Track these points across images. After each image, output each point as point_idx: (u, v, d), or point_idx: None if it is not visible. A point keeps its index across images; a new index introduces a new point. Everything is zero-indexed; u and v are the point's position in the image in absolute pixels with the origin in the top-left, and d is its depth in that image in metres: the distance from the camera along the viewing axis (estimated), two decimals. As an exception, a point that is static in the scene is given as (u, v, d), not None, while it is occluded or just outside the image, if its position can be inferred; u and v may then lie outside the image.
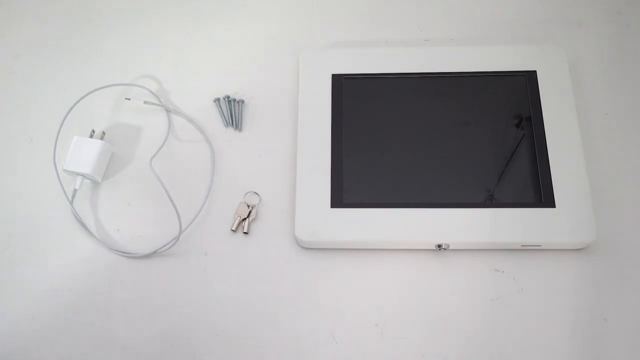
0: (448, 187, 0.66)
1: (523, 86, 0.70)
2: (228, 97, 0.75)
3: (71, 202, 0.69)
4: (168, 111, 0.75)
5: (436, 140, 0.69)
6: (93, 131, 0.72)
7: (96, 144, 0.70)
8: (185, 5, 0.83)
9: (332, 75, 0.72)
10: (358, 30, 0.79)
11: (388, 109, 0.71)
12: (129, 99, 0.75)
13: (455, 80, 0.71)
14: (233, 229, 0.67)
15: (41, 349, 0.63)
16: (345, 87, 0.71)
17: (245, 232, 0.67)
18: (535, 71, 0.70)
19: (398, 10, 0.81)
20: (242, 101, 0.75)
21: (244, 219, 0.67)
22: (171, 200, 0.65)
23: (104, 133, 0.73)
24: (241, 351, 0.62)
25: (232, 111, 0.74)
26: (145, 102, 0.74)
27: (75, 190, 0.69)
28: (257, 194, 0.69)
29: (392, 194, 0.66)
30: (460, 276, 0.64)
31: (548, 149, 0.66)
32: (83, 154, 0.69)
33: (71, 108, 0.73)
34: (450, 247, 0.63)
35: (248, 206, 0.68)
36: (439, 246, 0.63)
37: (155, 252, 0.66)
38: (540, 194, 0.64)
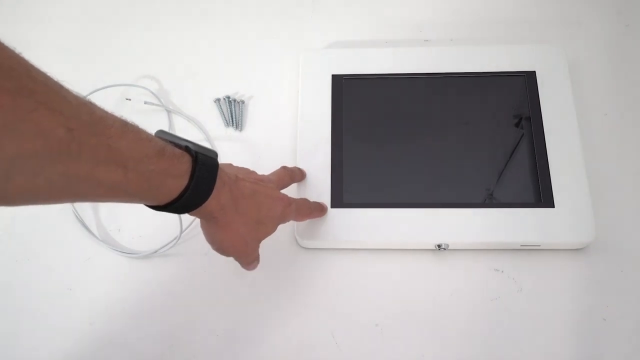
0: (448, 187, 0.66)
1: (522, 86, 0.70)
2: (228, 97, 0.75)
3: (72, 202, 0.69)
4: (169, 111, 0.75)
5: (436, 140, 0.69)
6: (93, 131, 0.72)
7: (96, 144, 0.70)
8: (186, 6, 0.83)
9: (332, 75, 0.72)
10: (358, 30, 0.79)
11: (388, 109, 0.71)
12: (130, 100, 0.75)
13: (455, 80, 0.71)
14: (233, 229, 0.67)
15: (41, 349, 0.63)
16: (345, 87, 0.71)
17: (245, 232, 0.67)
18: (534, 71, 0.70)
19: (398, 10, 0.81)
20: (242, 101, 0.75)
21: (244, 219, 0.67)
22: (171, 201, 0.65)
23: (104, 133, 0.73)
24: (241, 351, 0.62)
25: (233, 111, 0.74)
26: (145, 103, 0.75)
27: (75, 191, 0.69)
28: (257, 194, 0.69)
29: (392, 194, 0.66)
30: (460, 276, 0.64)
31: (547, 149, 0.66)
32: (83, 154, 0.69)
33: (71, 108, 0.73)
34: (450, 247, 0.63)
35: (248, 206, 0.68)
36: (439, 246, 0.63)
37: (155, 252, 0.66)
38: (539, 194, 0.64)
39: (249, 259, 0.56)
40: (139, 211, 0.69)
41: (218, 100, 0.75)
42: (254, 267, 0.57)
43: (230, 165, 0.58)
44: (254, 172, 0.58)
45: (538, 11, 0.80)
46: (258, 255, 0.57)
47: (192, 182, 0.44)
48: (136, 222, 0.69)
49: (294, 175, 0.64)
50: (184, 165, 0.45)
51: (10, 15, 0.84)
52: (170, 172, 0.43)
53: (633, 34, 0.77)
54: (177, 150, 0.45)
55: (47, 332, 0.64)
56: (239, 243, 0.53)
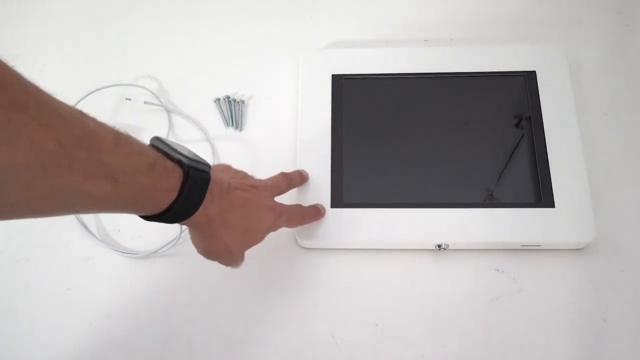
0: (448, 187, 0.66)
1: (522, 86, 0.70)
2: (228, 97, 0.75)
3: (71, 202, 0.69)
4: (168, 111, 0.75)
5: (436, 140, 0.69)
6: (93, 131, 0.72)
7: (96, 144, 0.70)
8: (186, 6, 0.83)
9: (332, 75, 0.72)
10: (358, 30, 0.79)
11: (388, 109, 0.71)
12: (129, 99, 0.75)
13: (455, 80, 0.71)
14: (233, 229, 0.66)
15: (41, 349, 0.63)
16: (345, 87, 0.71)
17: (245, 232, 0.66)
18: (534, 71, 0.70)
19: (398, 10, 0.81)
20: (242, 101, 0.75)
21: (244, 219, 0.67)
22: (171, 200, 0.65)
23: (104, 133, 0.73)
24: (241, 351, 0.62)
25: (233, 111, 0.74)
26: (145, 102, 0.75)
27: (75, 190, 0.69)
28: (257, 194, 0.69)
29: (392, 194, 0.66)
30: (460, 276, 0.64)
31: (547, 149, 0.66)
32: (83, 154, 0.69)
33: (71, 108, 0.73)
34: (450, 247, 0.63)
35: (248, 206, 0.68)
36: (439, 246, 0.63)
37: (155, 252, 0.66)
38: (539, 194, 0.64)
39: (232, 263, 0.56)
40: (139, 211, 0.69)
41: (218, 100, 0.75)
42: (238, 267, 0.57)
43: (228, 169, 0.57)
44: (250, 177, 0.58)
45: (538, 11, 0.80)
46: (243, 256, 0.56)
47: (181, 197, 0.45)
48: (136, 222, 0.68)
49: (292, 181, 0.64)
50: (174, 180, 0.45)
51: (10, 15, 0.84)
52: (160, 187, 0.44)
53: (633, 34, 0.77)
54: (169, 164, 0.45)
55: (47, 332, 0.64)
56: (223, 252, 0.53)
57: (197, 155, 0.48)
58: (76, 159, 0.36)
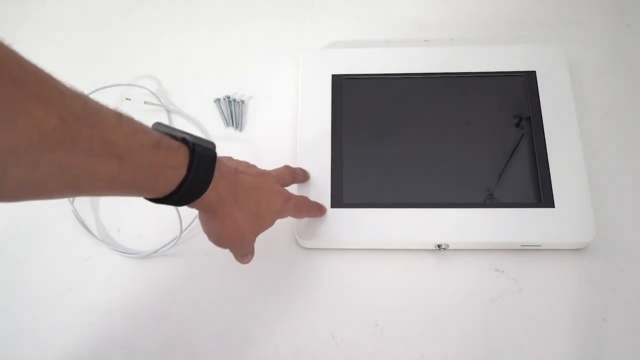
0: (448, 187, 0.66)
1: (522, 86, 0.70)
2: (228, 97, 0.75)
3: (72, 202, 0.69)
4: (168, 111, 0.75)
5: (436, 140, 0.69)
6: (93, 131, 0.72)
7: (96, 144, 0.70)
8: (186, 6, 0.83)
9: (332, 75, 0.72)
10: (358, 30, 0.79)
11: (388, 109, 0.71)
12: (130, 99, 0.75)
13: (455, 80, 0.71)
14: (233, 229, 0.66)
15: (41, 349, 0.63)
16: (345, 87, 0.71)
17: (245, 232, 0.66)
18: (534, 71, 0.70)
19: (398, 10, 0.81)
20: (242, 101, 0.75)
21: (244, 219, 0.67)
22: (171, 200, 0.65)
23: (104, 133, 0.73)
24: (241, 351, 0.62)
25: (233, 111, 0.74)
26: (145, 103, 0.75)
27: (75, 190, 0.69)
28: (257, 194, 0.69)
29: (392, 194, 0.66)
30: (460, 276, 0.64)
31: (547, 149, 0.66)
32: (83, 154, 0.69)
33: (71, 108, 0.73)
34: (450, 247, 0.63)
35: (248, 206, 0.68)
36: (439, 246, 0.63)
37: (155, 252, 0.66)
38: (539, 194, 0.64)
39: (244, 251, 0.56)
40: (139, 211, 0.69)
41: (218, 100, 0.75)
42: (249, 261, 0.57)
43: (230, 158, 0.58)
44: (254, 166, 0.58)
45: (538, 11, 0.80)
46: (253, 248, 0.57)
47: (190, 173, 0.44)
48: (136, 222, 0.69)
49: (296, 175, 0.64)
50: (182, 156, 0.44)
51: (10, 15, 0.84)
52: (168, 164, 0.43)
53: (633, 34, 0.77)
54: (174, 142, 0.44)
55: (47, 332, 0.64)
56: (236, 235, 0.52)
57: (200, 136, 0.47)
58: (79, 136, 0.35)
